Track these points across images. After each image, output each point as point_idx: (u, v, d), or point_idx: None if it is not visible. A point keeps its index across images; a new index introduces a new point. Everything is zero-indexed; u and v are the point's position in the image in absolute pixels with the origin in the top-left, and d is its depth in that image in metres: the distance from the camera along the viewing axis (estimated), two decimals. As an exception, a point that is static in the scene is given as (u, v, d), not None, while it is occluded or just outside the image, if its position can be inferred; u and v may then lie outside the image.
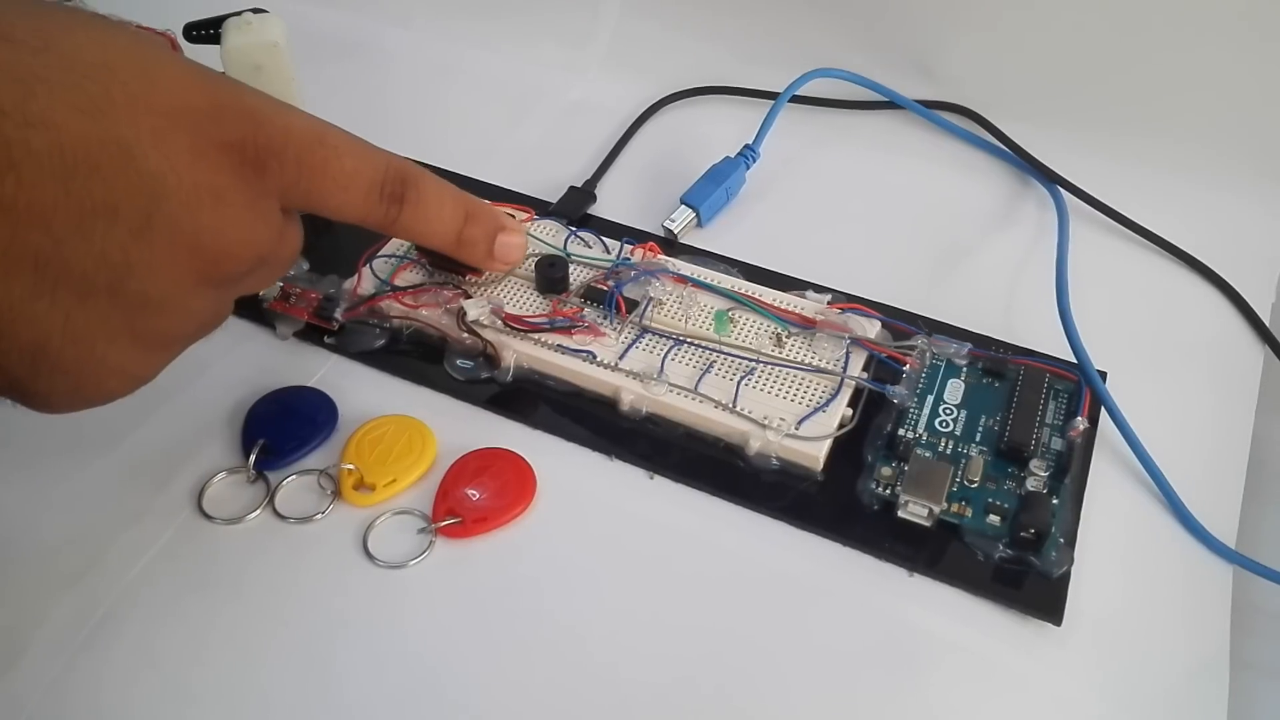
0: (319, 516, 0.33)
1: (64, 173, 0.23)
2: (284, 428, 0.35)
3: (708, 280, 0.39)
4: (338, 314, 0.38)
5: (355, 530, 0.32)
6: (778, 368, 0.36)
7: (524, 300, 0.38)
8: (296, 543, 0.32)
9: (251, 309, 0.38)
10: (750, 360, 0.36)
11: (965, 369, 0.37)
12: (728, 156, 0.45)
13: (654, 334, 0.37)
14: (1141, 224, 0.43)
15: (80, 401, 0.27)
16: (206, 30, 0.39)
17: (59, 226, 0.23)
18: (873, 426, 0.35)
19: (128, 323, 0.26)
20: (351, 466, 0.33)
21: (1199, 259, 0.42)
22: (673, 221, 0.43)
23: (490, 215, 0.35)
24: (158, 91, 0.25)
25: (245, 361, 0.37)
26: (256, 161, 0.27)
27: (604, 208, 0.44)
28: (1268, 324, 0.40)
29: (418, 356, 0.38)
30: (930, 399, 0.36)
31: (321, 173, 0.29)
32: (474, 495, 0.33)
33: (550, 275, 0.38)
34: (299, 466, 0.34)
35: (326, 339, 0.38)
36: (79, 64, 0.24)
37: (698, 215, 0.43)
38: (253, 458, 0.34)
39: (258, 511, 0.33)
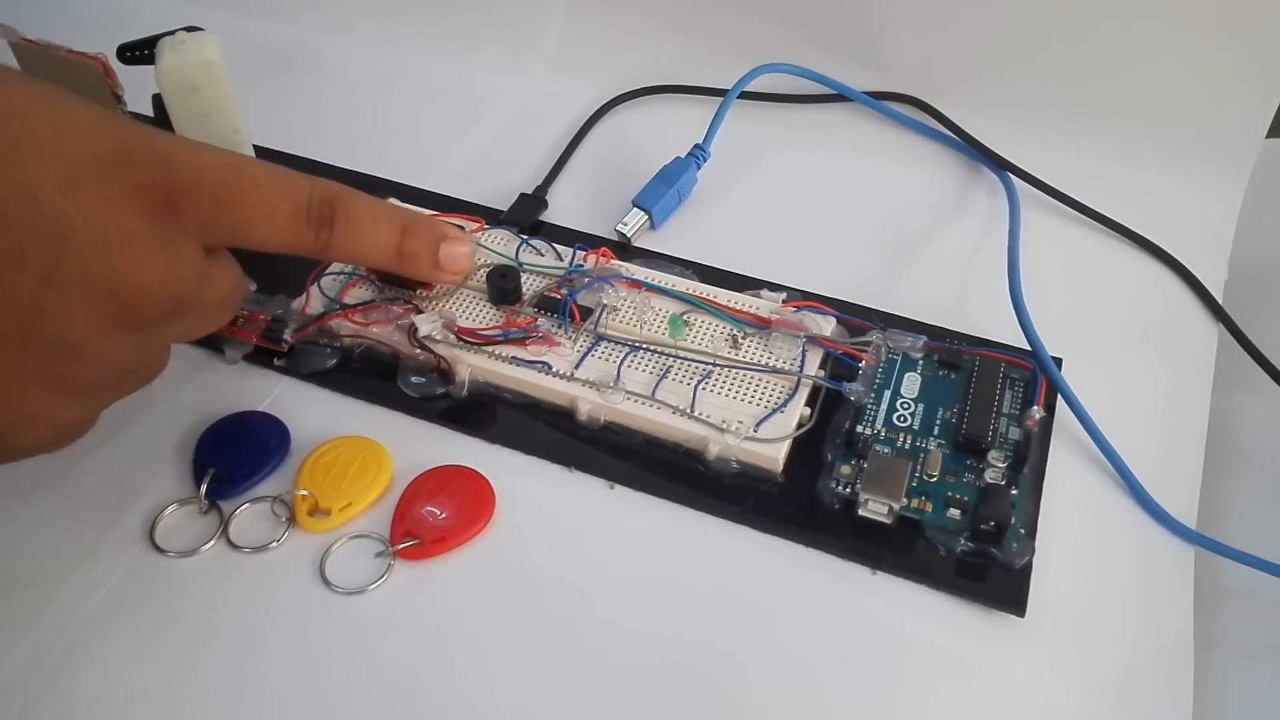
0: (274, 545, 0.32)
1: None
2: (235, 455, 0.34)
3: (662, 284, 0.38)
4: (287, 335, 0.37)
5: (312, 557, 0.32)
6: (735, 370, 0.36)
7: (476, 313, 0.38)
8: (252, 573, 0.32)
9: (199, 334, 0.38)
10: (707, 364, 0.36)
11: (921, 362, 0.37)
12: (678, 157, 0.44)
13: (609, 341, 0.37)
14: (1092, 207, 0.44)
15: (3, 453, 0.27)
16: (140, 51, 0.38)
17: None
18: (831, 425, 0.35)
19: (42, 369, 0.26)
20: (305, 492, 0.33)
21: (1150, 239, 0.43)
22: (625, 225, 0.42)
23: (429, 226, 0.35)
24: (64, 139, 0.25)
25: (193, 388, 0.37)
26: (168, 202, 0.27)
27: (556, 214, 0.44)
28: (1220, 301, 0.41)
29: (370, 375, 0.37)
30: (887, 394, 0.36)
31: (240, 205, 0.28)
32: (432, 515, 0.33)
33: (502, 286, 0.38)
34: (252, 494, 0.33)
35: (276, 361, 0.37)
36: None
37: (650, 217, 0.43)
38: (204, 487, 0.33)
39: (211, 543, 0.32)
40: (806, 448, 0.34)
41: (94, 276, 0.26)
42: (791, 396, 0.35)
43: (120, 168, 0.26)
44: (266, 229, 0.29)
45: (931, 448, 0.34)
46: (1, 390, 0.25)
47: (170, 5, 0.44)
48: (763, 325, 0.37)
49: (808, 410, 0.35)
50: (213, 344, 0.38)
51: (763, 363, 0.36)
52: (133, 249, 0.26)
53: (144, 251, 0.26)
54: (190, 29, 0.39)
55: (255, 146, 0.42)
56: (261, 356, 0.37)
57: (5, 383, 0.25)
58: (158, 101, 0.38)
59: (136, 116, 0.37)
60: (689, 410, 0.34)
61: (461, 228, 0.39)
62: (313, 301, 0.38)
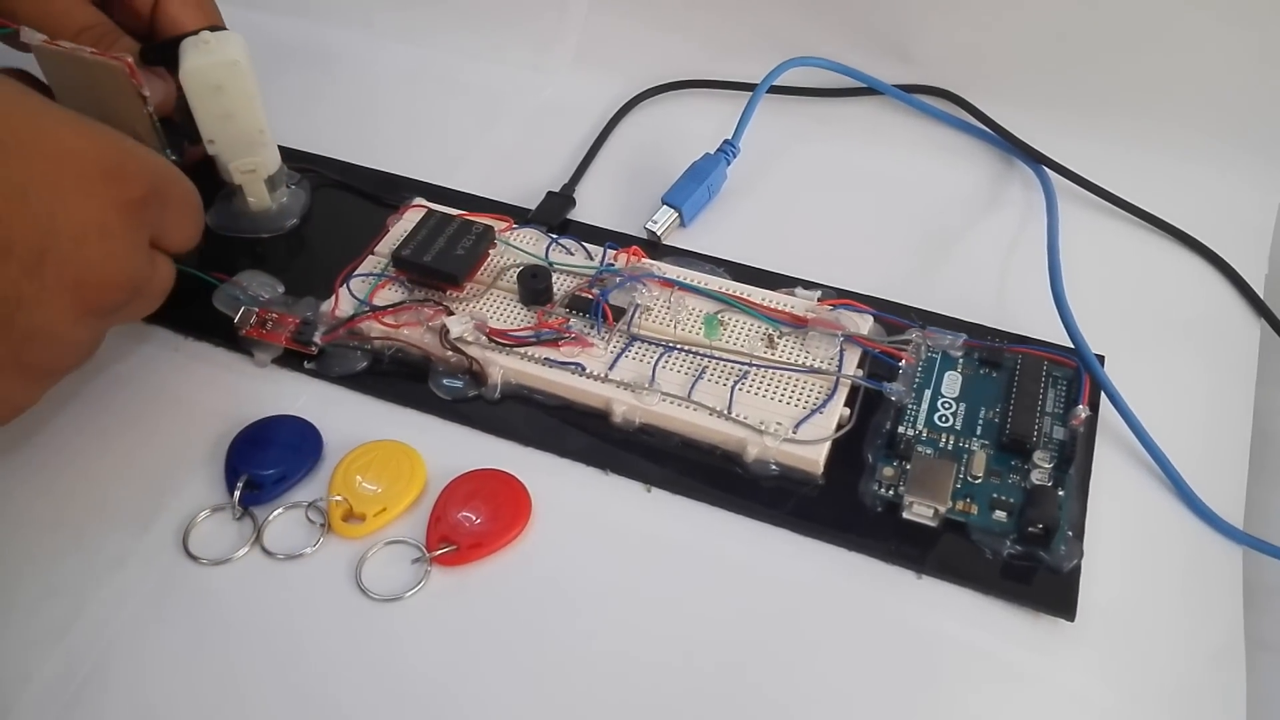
0: (309, 551, 0.32)
1: None
2: (267, 460, 0.33)
3: (695, 283, 0.38)
4: (316, 338, 0.37)
5: (348, 564, 0.31)
6: (771, 370, 0.35)
7: (508, 313, 0.37)
8: (287, 580, 0.31)
9: (228, 337, 0.37)
10: (743, 364, 0.35)
11: (961, 360, 0.36)
12: (707, 153, 0.44)
13: (643, 341, 0.36)
14: (1129, 200, 0.43)
15: None
16: (164, 52, 0.37)
17: None
18: (871, 425, 0.34)
19: (14, 354, 0.28)
20: (340, 497, 0.32)
21: (1189, 233, 0.42)
22: (655, 223, 0.42)
23: None
24: (45, 138, 0.27)
25: (223, 392, 0.36)
26: (139, 198, 0.29)
27: (584, 212, 0.43)
28: (1262, 296, 0.40)
29: (402, 377, 0.37)
30: (928, 394, 0.35)
31: (180, 206, 0.32)
32: (468, 520, 0.32)
33: (533, 286, 0.37)
34: (286, 500, 0.33)
35: (306, 364, 0.37)
36: None
37: (680, 215, 0.42)
38: (237, 493, 0.33)
39: (245, 549, 0.32)
40: (846, 449, 0.34)
41: (71, 267, 0.27)
42: (830, 397, 0.34)
43: (95, 163, 0.28)
44: (189, 229, 0.33)
45: (975, 448, 0.33)
46: None
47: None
48: (799, 324, 0.36)
49: (847, 411, 0.34)
50: (241, 347, 0.37)
51: (800, 362, 0.35)
52: (107, 242, 0.28)
53: (115, 245, 0.29)
54: (214, 28, 0.38)
55: (280, 147, 0.41)
56: (291, 359, 0.37)
57: None
58: (181, 102, 0.37)
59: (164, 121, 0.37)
60: (726, 411, 0.34)
61: (491, 228, 0.39)
62: (342, 304, 0.37)
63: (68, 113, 0.29)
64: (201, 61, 0.37)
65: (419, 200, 0.42)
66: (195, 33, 0.37)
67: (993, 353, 0.36)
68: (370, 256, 0.39)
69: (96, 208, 0.28)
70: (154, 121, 0.36)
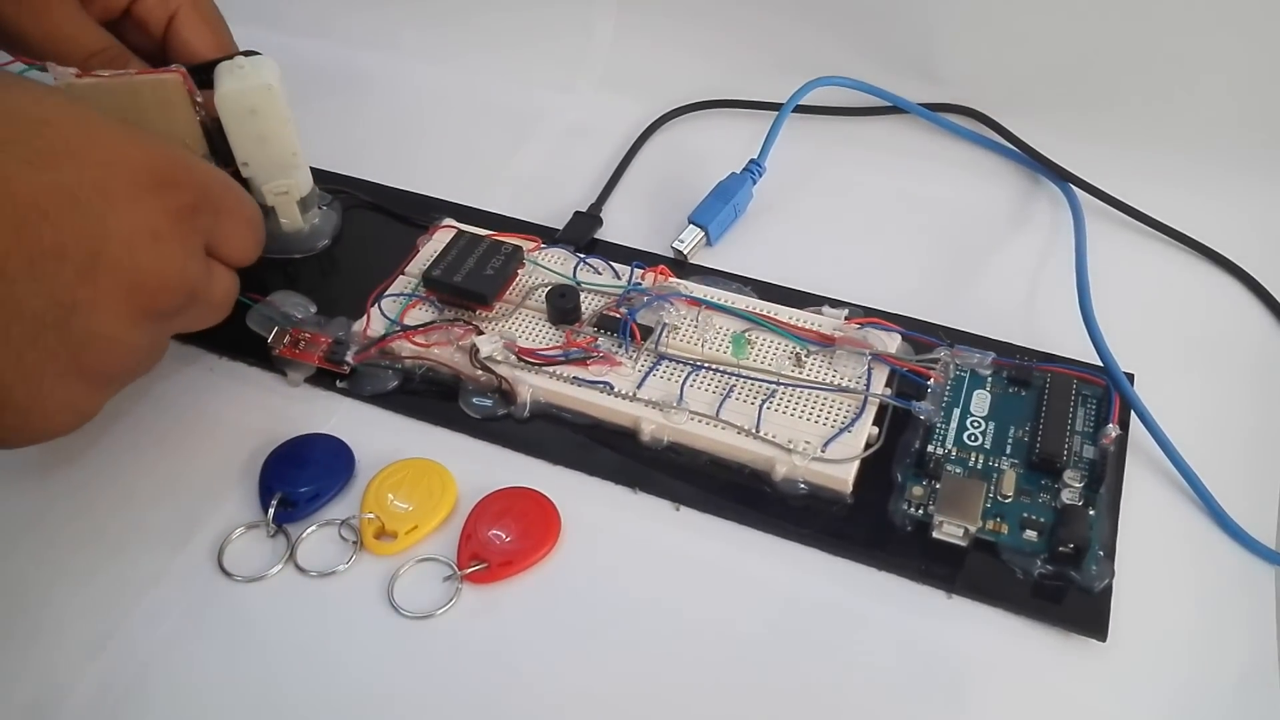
0: (342, 569, 0.32)
1: (16, 220, 0.26)
2: (301, 478, 0.34)
3: (722, 302, 0.38)
4: (348, 357, 0.37)
5: (380, 581, 0.32)
6: (799, 389, 0.35)
7: (537, 333, 0.38)
8: (321, 597, 0.32)
9: (261, 356, 0.38)
10: (771, 382, 0.35)
11: (990, 379, 0.36)
12: (733, 172, 0.44)
13: (671, 360, 0.36)
14: (1157, 218, 0.43)
15: (27, 437, 0.29)
16: (199, 76, 0.38)
17: (12, 270, 0.26)
18: (900, 444, 0.34)
19: (75, 359, 0.28)
20: (372, 515, 0.33)
21: (1218, 251, 0.42)
22: (682, 242, 0.42)
23: None
24: (95, 145, 0.28)
25: (257, 411, 0.37)
26: (190, 204, 0.30)
27: (611, 231, 0.44)
28: (1292, 314, 0.40)
29: (432, 396, 0.37)
30: (957, 412, 0.35)
31: (234, 215, 0.33)
32: (498, 538, 0.32)
33: (562, 306, 0.37)
34: (319, 517, 0.33)
35: (338, 383, 0.37)
36: (20, 120, 0.27)
37: (706, 234, 0.42)
38: (271, 511, 0.33)
39: (279, 567, 0.32)
40: (875, 468, 0.34)
41: (125, 271, 0.28)
42: (859, 415, 0.34)
43: (146, 169, 0.29)
44: (243, 239, 0.33)
45: (1005, 467, 0.33)
46: (36, 380, 0.27)
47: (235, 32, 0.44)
48: (826, 343, 0.36)
49: (876, 429, 0.34)
50: (275, 367, 0.38)
51: (828, 381, 0.35)
52: (159, 245, 0.29)
53: (169, 246, 0.29)
54: (248, 53, 0.39)
55: (312, 169, 0.42)
56: (324, 379, 0.37)
57: (40, 373, 0.27)
58: (216, 125, 0.38)
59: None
60: (754, 430, 0.34)
61: (519, 248, 0.40)
62: (374, 323, 0.38)
63: (118, 121, 0.29)
64: (236, 86, 0.37)
65: (449, 221, 0.42)
66: (230, 57, 0.38)
67: (1022, 371, 0.36)
68: (401, 277, 0.40)
69: (147, 213, 0.28)
70: (205, 131, 0.37)
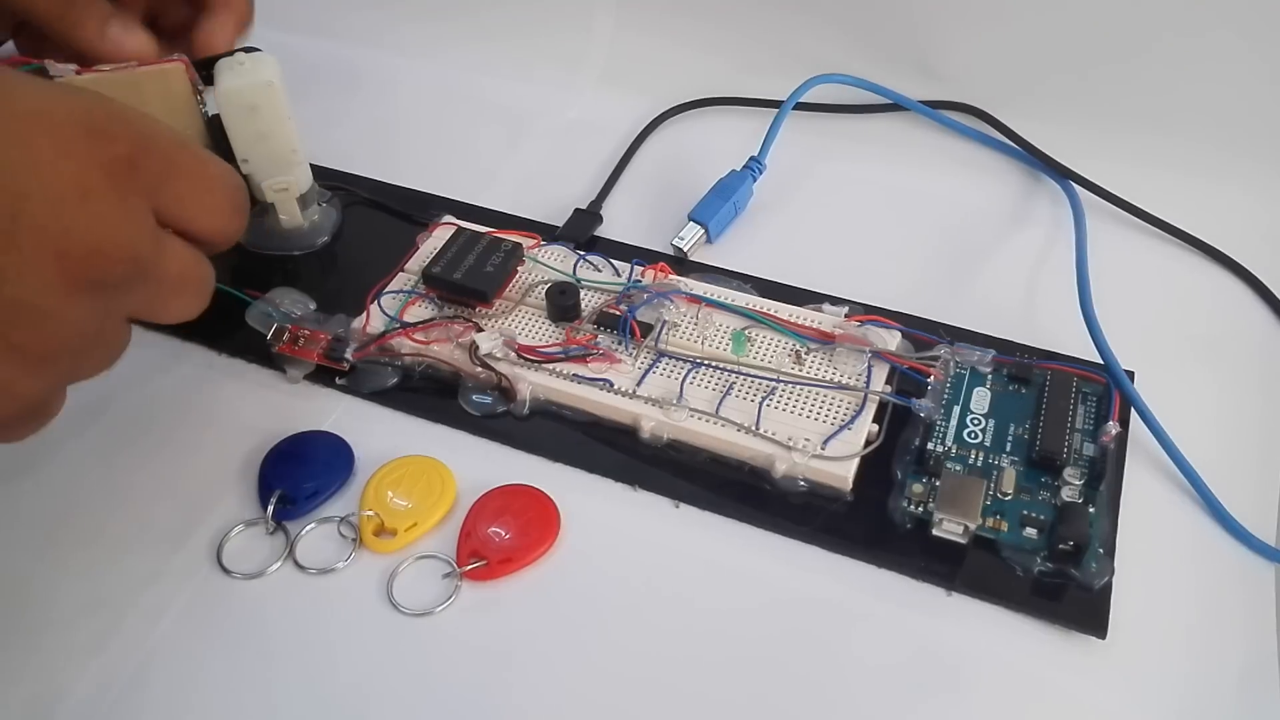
0: (341, 566, 0.32)
1: None
2: (300, 475, 0.34)
3: (722, 299, 0.38)
4: (348, 354, 0.37)
5: (379, 578, 0.32)
6: (799, 386, 0.35)
7: (537, 330, 0.38)
8: (320, 595, 0.31)
9: (260, 353, 0.38)
10: (771, 380, 0.35)
11: (990, 377, 0.36)
12: (733, 170, 0.44)
13: (671, 358, 0.36)
14: (1157, 215, 0.43)
15: None
16: (200, 72, 0.38)
17: None
18: (900, 442, 0.34)
19: (1, 334, 0.25)
20: (371, 512, 0.33)
21: (1218, 248, 0.42)
22: (682, 239, 0.42)
23: None
24: (17, 97, 0.25)
25: (256, 408, 0.37)
26: (126, 157, 0.26)
27: (611, 228, 0.44)
28: (1293, 311, 0.40)
29: (432, 393, 0.37)
30: (957, 410, 0.35)
31: (188, 175, 0.29)
32: (497, 535, 0.32)
33: (561, 303, 0.37)
34: (318, 515, 0.33)
35: (338, 380, 0.37)
36: None
37: (706, 231, 0.42)
38: (270, 508, 0.33)
39: (278, 564, 0.32)
40: (875, 466, 0.34)
41: (50, 233, 0.25)
42: (859, 413, 0.34)
43: (74, 120, 0.26)
44: (206, 204, 0.29)
45: (1005, 465, 0.33)
46: None
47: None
48: (826, 340, 0.36)
49: (875, 427, 0.34)
50: (274, 364, 0.38)
51: (828, 379, 0.35)
52: (89, 203, 0.25)
53: (101, 207, 0.26)
54: (248, 50, 0.39)
55: (312, 166, 0.42)
56: (323, 376, 0.37)
57: None
58: (216, 122, 0.38)
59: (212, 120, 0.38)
60: (754, 428, 0.34)
61: (519, 245, 0.40)
62: (373, 320, 0.38)
63: (45, 80, 0.27)
64: (237, 82, 0.37)
65: (448, 218, 0.42)
66: (230, 54, 0.38)
67: (1022, 369, 0.36)
68: (401, 274, 0.40)
69: (75, 167, 0.25)
70: (207, 120, 0.37)
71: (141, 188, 0.27)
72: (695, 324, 0.37)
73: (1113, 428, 0.33)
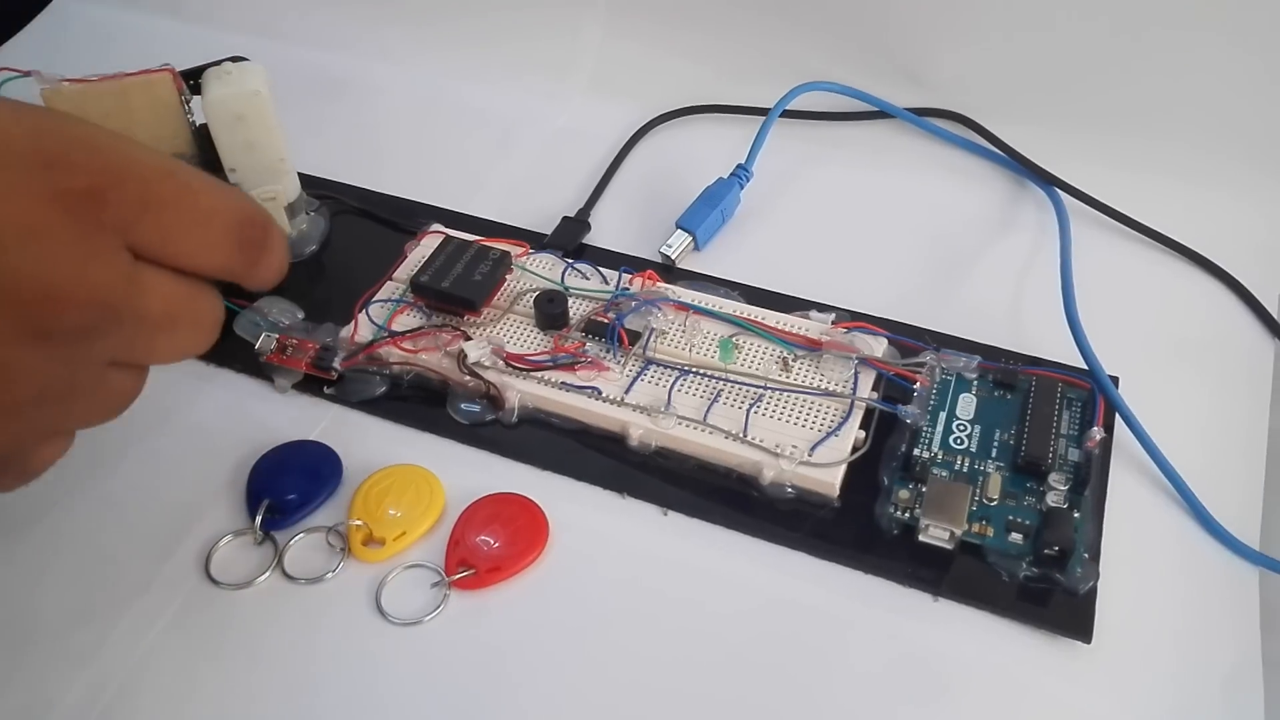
0: (329, 576, 0.32)
1: None
2: (288, 485, 0.34)
3: (710, 306, 0.38)
4: (336, 363, 0.37)
5: (367, 588, 0.32)
6: (787, 393, 0.35)
7: (525, 338, 0.38)
8: (308, 604, 0.32)
9: (248, 363, 0.38)
10: (758, 387, 0.35)
11: (976, 382, 0.36)
12: (721, 177, 0.44)
13: (659, 365, 0.36)
14: (1142, 221, 0.43)
15: None
16: (188, 81, 0.38)
17: None
18: (886, 448, 0.34)
19: None
20: (360, 522, 0.33)
21: (1202, 254, 0.42)
22: (669, 247, 0.42)
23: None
24: None
25: (244, 418, 0.37)
26: (89, 192, 0.23)
27: (599, 236, 0.44)
28: (1276, 316, 0.40)
29: (420, 402, 0.37)
30: (943, 416, 0.35)
31: (171, 208, 0.24)
32: (486, 544, 0.32)
33: (550, 311, 0.38)
34: (306, 524, 0.33)
35: (326, 389, 0.37)
36: None
37: (694, 239, 0.42)
38: (258, 518, 0.33)
39: (267, 574, 0.32)
40: (861, 472, 0.34)
41: None
42: (845, 419, 0.34)
43: (26, 152, 0.23)
44: (197, 239, 0.25)
45: (990, 471, 0.33)
46: None
47: (213, 35, 0.44)
48: (813, 347, 0.36)
49: (862, 433, 0.34)
50: (262, 373, 0.38)
51: (815, 385, 0.35)
52: (39, 244, 0.22)
53: (55, 246, 0.23)
54: (236, 59, 0.39)
55: (299, 174, 0.42)
56: (311, 385, 0.37)
57: None
58: (204, 131, 0.38)
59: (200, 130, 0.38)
60: (742, 434, 0.34)
61: (508, 253, 0.40)
62: (361, 329, 0.38)
63: (3, 99, 0.23)
64: (224, 91, 0.37)
65: (436, 226, 0.42)
66: (217, 63, 0.38)
67: (1007, 375, 0.36)
68: (389, 282, 0.40)
69: (21, 203, 0.22)
70: (195, 129, 0.37)
71: (110, 223, 0.23)
72: (683, 331, 0.37)
73: (1097, 433, 0.33)
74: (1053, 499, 0.32)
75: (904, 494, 0.33)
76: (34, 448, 0.26)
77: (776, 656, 0.30)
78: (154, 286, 0.25)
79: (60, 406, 0.25)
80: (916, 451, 0.34)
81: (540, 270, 0.40)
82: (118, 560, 0.33)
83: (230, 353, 0.38)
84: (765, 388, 0.35)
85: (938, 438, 0.34)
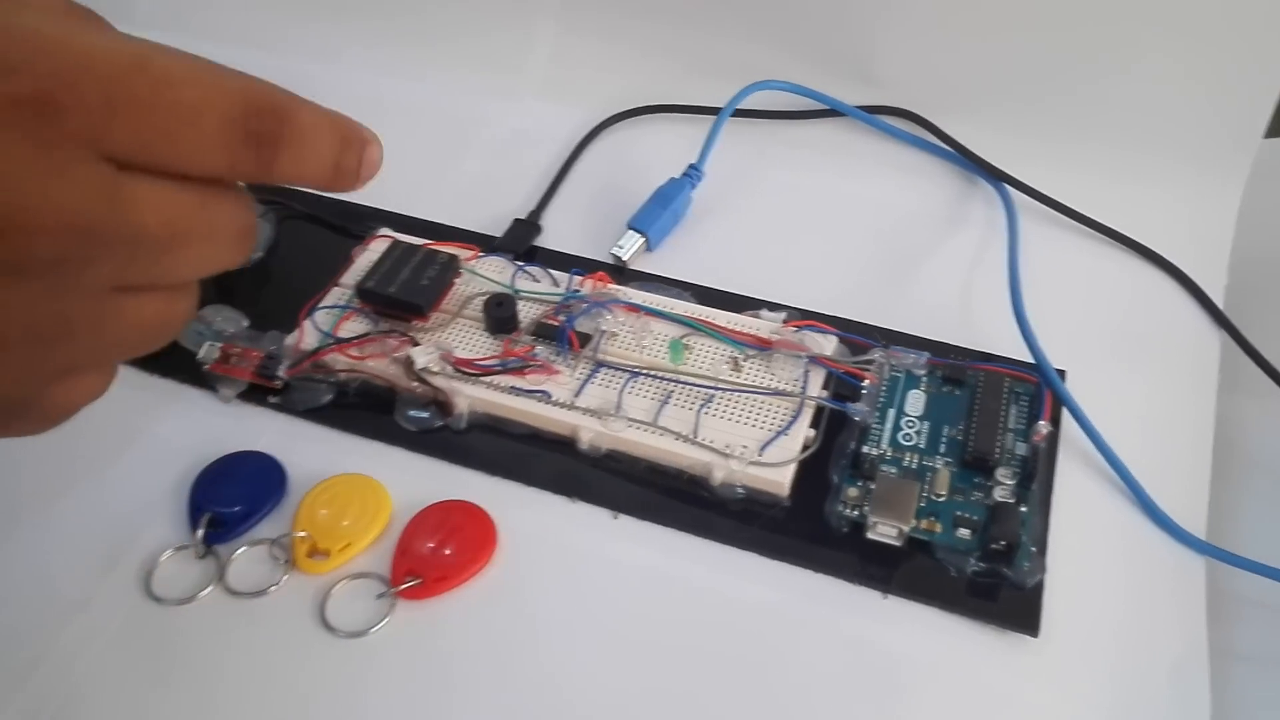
0: (273, 589, 0.31)
1: None
2: (232, 496, 0.33)
3: (661, 307, 0.38)
4: (281, 372, 0.37)
5: (312, 600, 0.31)
6: (737, 393, 0.35)
7: (474, 343, 0.37)
8: (252, 619, 0.31)
9: (191, 372, 0.37)
10: (709, 388, 0.35)
11: (925, 379, 0.36)
12: (673, 177, 0.44)
13: (609, 368, 0.36)
14: (1089, 215, 0.43)
15: None
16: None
17: None
18: (836, 446, 0.34)
19: None
20: (304, 533, 0.32)
21: (1148, 247, 0.42)
22: (621, 248, 0.42)
23: (357, 131, 0.27)
24: None
25: (186, 428, 0.36)
26: (39, 99, 0.20)
27: (550, 238, 0.44)
28: (1221, 307, 0.40)
29: (367, 410, 0.36)
30: (892, 413, 0.35)
31: (146, 108, 0.21)
32: (433, 552, 0.32)
33: (499, 315, 0.37)
34: (250, 537, 0.33)
35: (271, 399, 0.37)
36: None
37: (646, 240, 0.42)
38: (200, 531, 0.32)
39: (209, 589, 0.31)
40: (812, 470, 0.34)
41: None
42: (795, 418, 0.34)
43: None
44: (188, 141, 0.22)
45: (938, 466, 0.33)
46: None
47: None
48: (764, 346, 0.36)
49: (812, 432, 0.34)
50: (205, 382, 0.37)
51: (765, 385, 0.35)
52: None
53: (12, 166, 0.20)
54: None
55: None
56: (256, 394, 0.37)
57: None
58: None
59: None
60: (692, 436, 0.34)
61: (456, 256, 0.39)
62: (307, 336, 0.37)
63: None
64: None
65: (385, 230, 0.42)
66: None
67: (955, 370, 0.36)
68: (335, 288, 0.39)
69: None
70: None
71: (73, 133, 0.20)
72: (634, 333, 0.37)
73: (1044, 427, 0.33)
74: (1000, 494, 0.33)
75: (853, 492, 0.33)
76: (45, 388, 0.23)
77: (726, 657, 0.30)
78: (145, 199, 0.22)
79: (62, 343, 0.23)
80: (865, 449, 0.34)
81: (490, 274, 0.40)
82: (55, 576, 0.32)
83: (173, 362, 0.37)
84: (716, 388, 0.35)
85: (887, 435, 0.35)
